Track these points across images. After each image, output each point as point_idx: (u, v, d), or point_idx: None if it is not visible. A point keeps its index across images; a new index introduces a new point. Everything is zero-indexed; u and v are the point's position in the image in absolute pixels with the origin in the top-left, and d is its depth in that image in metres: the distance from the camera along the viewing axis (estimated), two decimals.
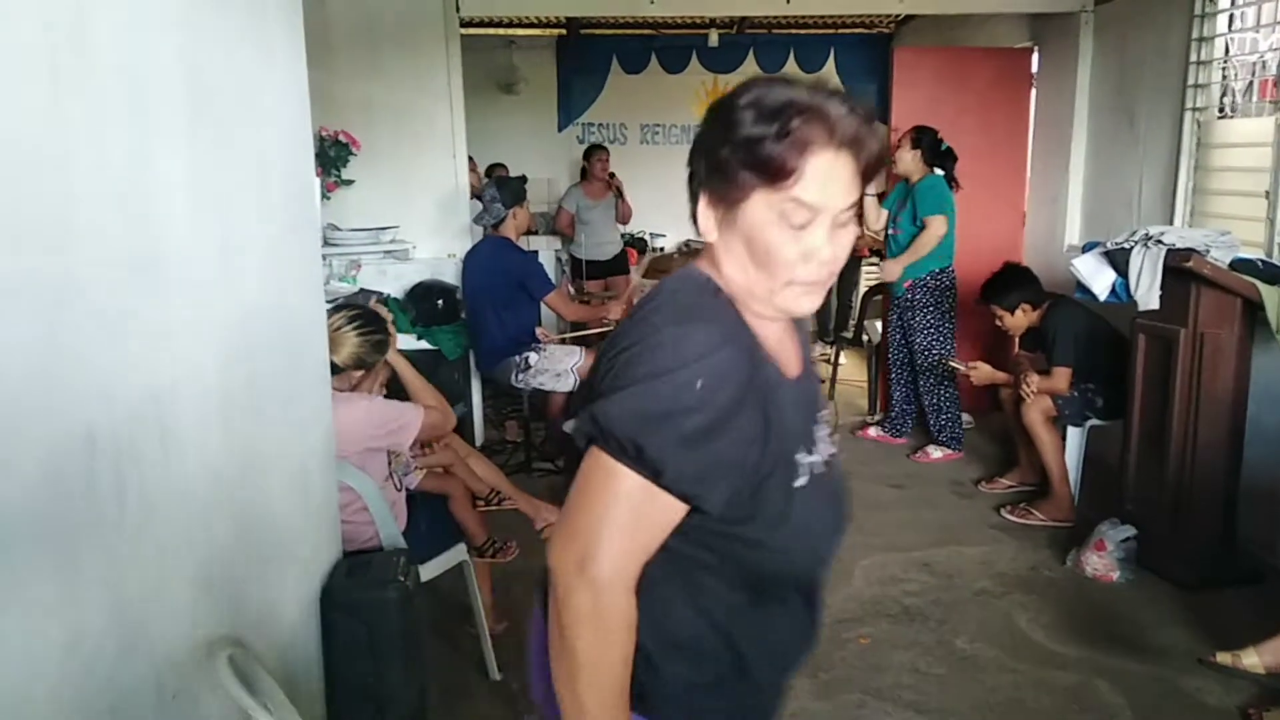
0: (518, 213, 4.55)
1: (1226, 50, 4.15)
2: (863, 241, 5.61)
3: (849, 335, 6.55)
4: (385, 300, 4.57)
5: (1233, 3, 4.08)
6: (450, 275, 4.87)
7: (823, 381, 6.20)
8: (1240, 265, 3.31)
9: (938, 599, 3.39)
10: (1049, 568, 3.62)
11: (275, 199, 1.99)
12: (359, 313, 2.81)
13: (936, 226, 4.61)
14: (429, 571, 2.74)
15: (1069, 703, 2.77)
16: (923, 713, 2.73)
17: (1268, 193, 3.69)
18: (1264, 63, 4.20)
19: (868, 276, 6.94)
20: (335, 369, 2.64)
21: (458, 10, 4.90)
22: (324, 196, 4.60)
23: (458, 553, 2.90)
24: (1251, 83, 4.23)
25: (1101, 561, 3.49)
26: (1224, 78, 4.19)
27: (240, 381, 1.79)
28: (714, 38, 7.27)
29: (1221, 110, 4.17)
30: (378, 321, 2.86)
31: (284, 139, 2.05)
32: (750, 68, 7.88)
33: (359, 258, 4.77)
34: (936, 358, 4.76)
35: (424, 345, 4.64)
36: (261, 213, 1.91)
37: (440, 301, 4.73)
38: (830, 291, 7.07)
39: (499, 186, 4.58)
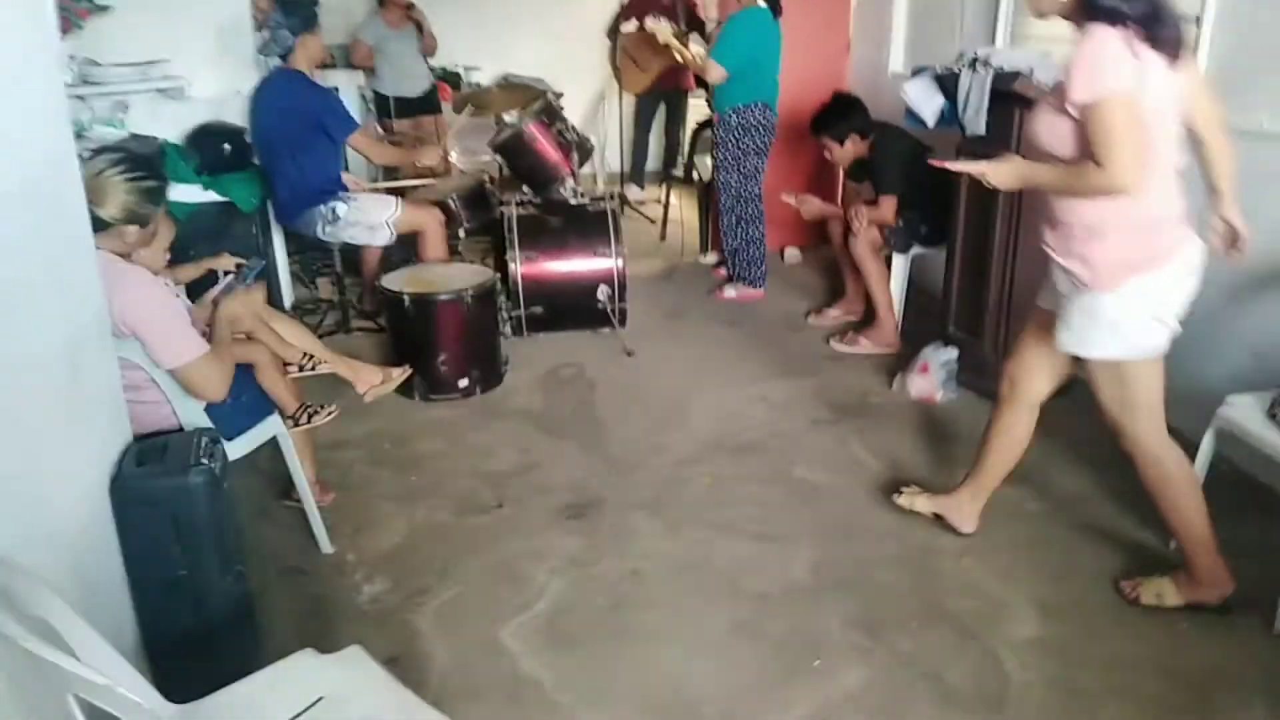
0: (307, 40, 4.03)
1: None
2: (692, 71, 5.36)
3: (679, 174, 6.40)
4: (162, 146, 4.02)
5: None
6: (237, 115, 4.32)
7: (653, 222, 6.13)
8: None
9: (774, 430, 3.43)
10: (877, 393, 3.72)
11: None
12: (124, 154, 2.39)
13: (713, 73, 4.40)
14: (237, 449, 2.49)
15: (906, 521, 2.86)
16: (767, 540, 2.77)
17: None
18: None
19: (696, 111, 6.75)
20: (103, 225, 2.26)
21: None
22: (75, 24, 3.92)
23: (270, 425, 2.65)
24: None
25: (925, 383, 3.60)
26: None
27: None
28: None
29: None
30: (147, 164, 2.46)
31: None
32: None
33: (125, 97, 4.15)
34: (735, 195, 4.64)
35: (213, 196, 4.14)
36: None
37: (227, 146, 4.20)
38: (659, 127, 6.84)
39: (284, 10, 4.03)
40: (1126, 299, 2.16)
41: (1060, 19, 2.15)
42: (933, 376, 3.57)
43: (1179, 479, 2.36)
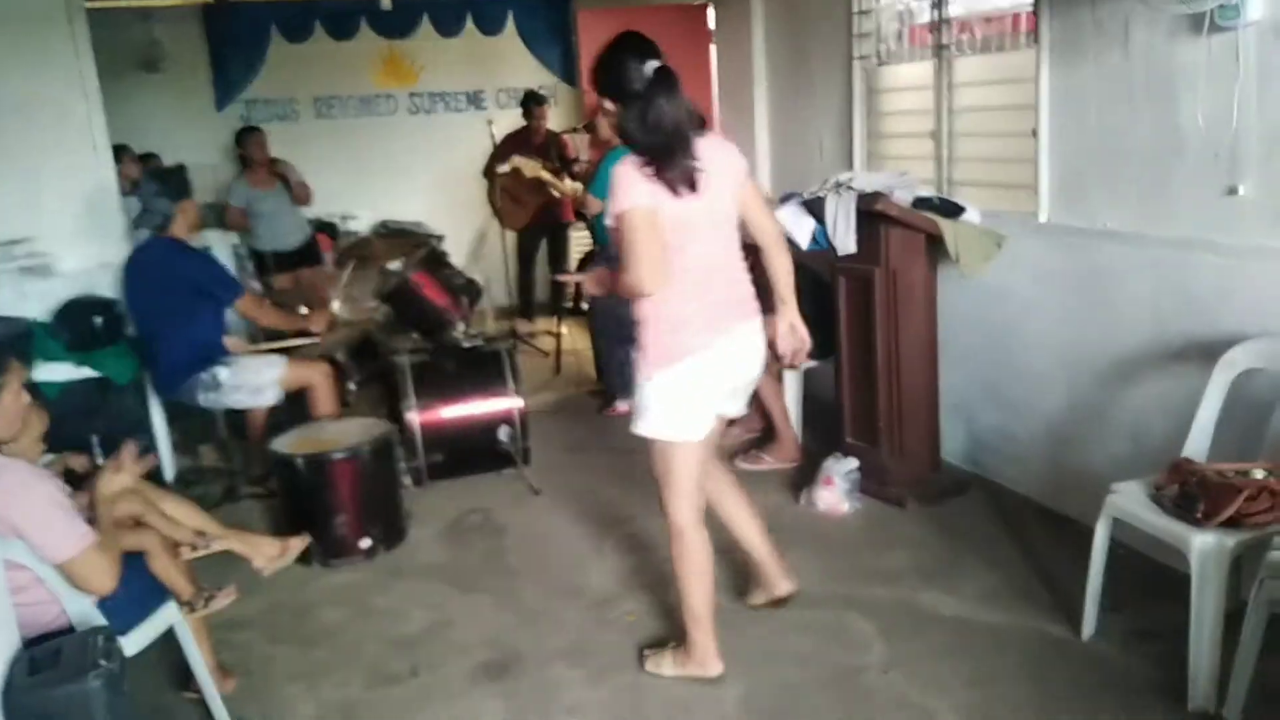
0: (186, 207, 3.97)
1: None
2: (572, 204, 5.50)
3: (569, 305, 6.48)
4: (29, 326, 3.85)
5: None
6: (108, 288, 4.19)
7: (547, 355, 6.16)
8: (920, 204, 3.55)
9: None
10: (786, 510, 3.76)
11: None
12: None
13: (592, 206, 4.53)
14: (133, 644, 2.33)
15: (827, 640, 2.86)
16: (694, 677, 2.70)
17: (933, 133, 4.00)
18: (910, 11, 4.54)
19: (577, 244, 6.90)
20: None
21: None
22: None
23: (166, 614, 2.49)
24: (901, 30, 4.56)
25: (831, 496, 3.66)
26: (877, 27, 4.47)
27: None
28: (386, 1, 6.80)
29: (879, 57, 4.45)
30: None
31: None
32: (427, 32, 7.49)
33: None
34: (616, 319, 4.73)
35: (87, 372, 3.97)
36: None
37: (99, 319, 4.06)
38: (543, 261, 6.93)
39: (158, 180, 3.98)
40: (658, 387, 2.47)
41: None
42: (837, 489, 3.63)
43: (694, 559, 2.62)
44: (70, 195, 4.32)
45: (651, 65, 2.42)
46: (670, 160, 2.36)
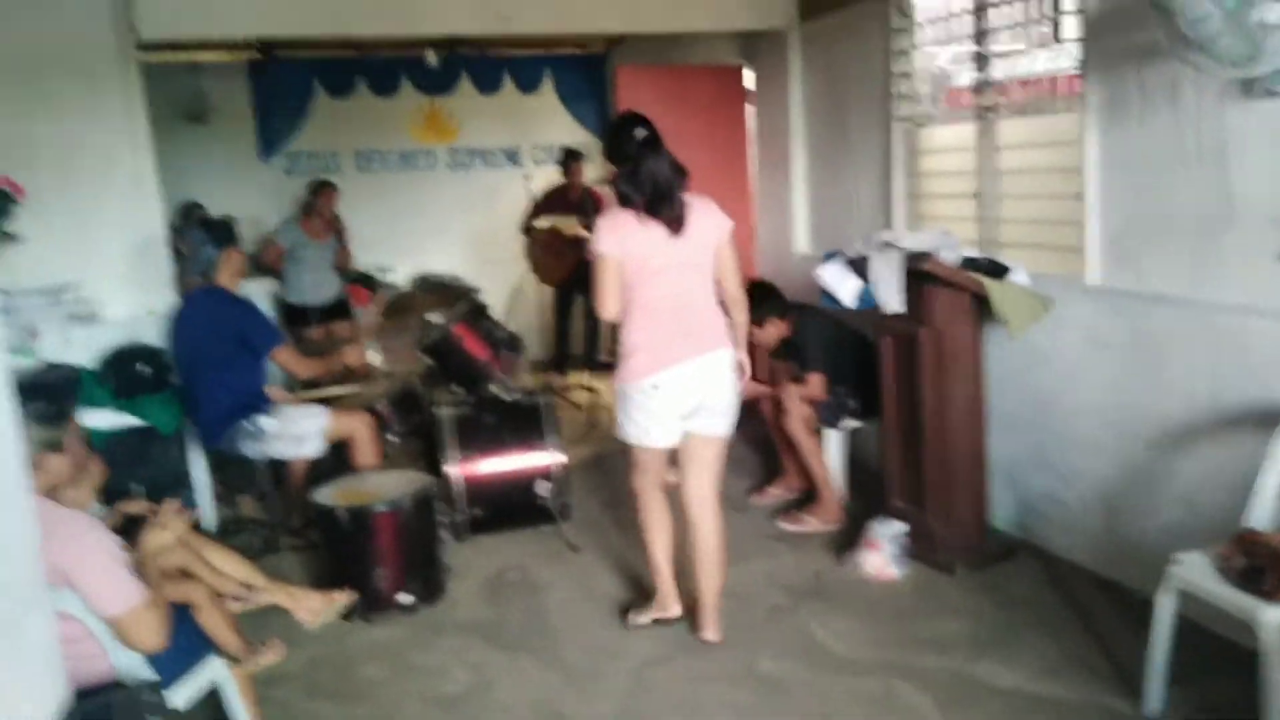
0: (231, 255, 4.03)
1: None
2: None
3: (604, 359, 6.49)
4: (77, 373, 3.89)
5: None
6: (153, 336, 4.23)
7: (581, 409, 6.15)
8: (967, 264, 3.54)
9: (734, 621, 3.33)
10: (831, 573, 3.69)
11: None
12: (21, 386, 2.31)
13: None
14: (180, 698, 2.31)
15: (877, 710, 2.79)
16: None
17: (975, 194, 4.00)
18: (946, 74, 4.58)
19: None
20: None
21: (135, 32, 4.28)
22: None
23: (212, 668, 2.46)
24: (936, 93, 4.60)
25: (877, 560, 3.60)
26: (915, 89, 4.51)
27: None
28: (432, 58, 6.96)
29: (918, 119, 4.47)
30: (45, 389, 2.38)
31: None
32: (466, 89, 7.64)
33: (34, 324, 4.04)
34: None
35: (132, 421, 3.99)
36: None
37: (145, 367, 4.10)
38: (579, 315, 6.96)
39: (206, 228, 4.04)
40: (619, 396, 3.10)
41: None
42: (883, 552, 3.58)
43: (650, 518, 3.22)
44: (118, 242, 4.40)
45: (640, 133, 2.97)
46: (659, 206, 2.92)
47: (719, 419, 3.10)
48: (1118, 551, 3.39)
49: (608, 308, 3.00)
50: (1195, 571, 2.50)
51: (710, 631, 3.19)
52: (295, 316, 6.04)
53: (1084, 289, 3.46)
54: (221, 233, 4.12)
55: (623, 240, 2.95)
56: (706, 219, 3.03)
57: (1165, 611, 2.55)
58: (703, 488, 3.14)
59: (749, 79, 5.81)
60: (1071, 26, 3.70)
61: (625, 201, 2.96)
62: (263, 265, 6.15)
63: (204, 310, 4.01)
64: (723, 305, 3.13)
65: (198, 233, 4.09)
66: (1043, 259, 3.72)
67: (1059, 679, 2.86)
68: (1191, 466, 3.08)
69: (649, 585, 3.38)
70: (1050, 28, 4.78)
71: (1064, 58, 3.98)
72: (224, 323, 3.95)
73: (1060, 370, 3.58)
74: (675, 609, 3.25)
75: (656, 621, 3.28)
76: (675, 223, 2.94)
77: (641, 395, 3.00)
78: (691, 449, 3.12)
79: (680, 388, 2.99)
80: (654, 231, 2.93)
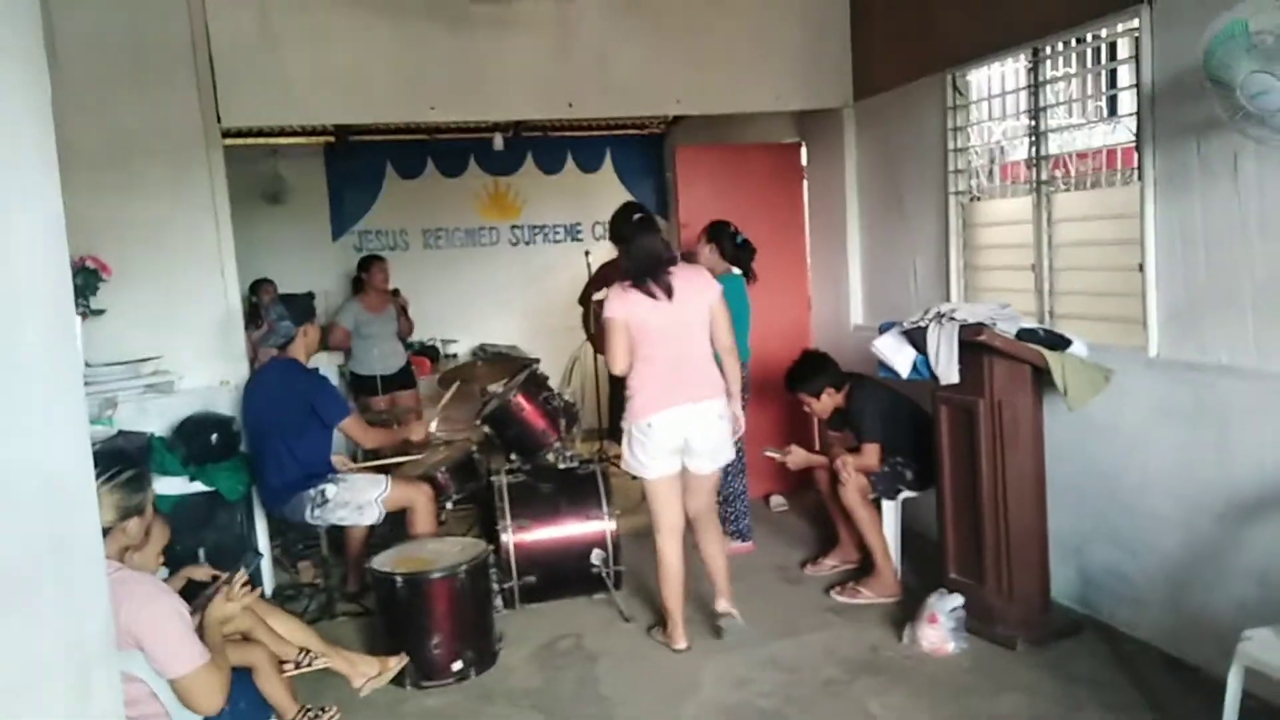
0: (309, 330, 4.20)
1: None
2: None
3: None
4: (150, 441, 4.04)
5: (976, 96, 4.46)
6: (225, 405, 4.39)
7: (634, 478, 6.15)
8: (1025, 335, 3.52)
9: (790, 695, 3.29)
10: (887, 647, 3.62)
11: (33, 351, 1.64)
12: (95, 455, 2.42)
13: None
14: None
15: None
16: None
17: (1033, 266, 4.00)
18: (1002, 149, 4.61)
19: None
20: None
21: (219, 120, 4.54)
22: None
23: None
24: (992, 168, 4.63)
25: (936, 634, 3.52)
26: (969, 164, 4.55)
27: (2, 569, 1.42)
28: (499, 142, 7.25)
29: (974, 192, 4.51)
30: (121, 457, 2.49)
31: (38, 275, 1.70)
32: (529, 169, 7.90)
33: (115, 395, 4.22)
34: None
35: (198, 487, 4.12)
36: (16, 369, 1.56)
37: (215, 436, 4.23)
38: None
39: (285, 304, 4.23)
40: (625, 434, 3.62)
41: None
42: (941, 627, 3.50)
43: (664, 566, 3.68)
44: (198, 316, 4.58)
45: (636, 215, 3.58)
46: (650, 276, 3.47)
47: (707, 460, 3.64)
48: (1185, 628, 3.27)
49: (618, 363, 3.53)
50: (1266, 648, 2.41)
51: (725, 602, 3.72)
52: (362, 386, 6.20)
53: (1146, 361, 3.42)
54: (301, 309, 4.29)
55: (626, 306, 3.48)
56: (697, 285, 3.55)
57: (1234, 689, 2.45)
58: (699, 505, 3.76)
59: (804, 155, 5.91)
60: (1128, 101, 3.72)
61: (627, 273, 3.52)
62: (332, 346, 6.32)
63: (277, 381, 4.16)
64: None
65: (277, 307, 4.26)
66: (1102, 331, 3.69)
67: None
68: (1263, 540, 2.98)
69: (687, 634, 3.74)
70: (1105, 102, 4.81)
71: (1121, 131, 3.99)
72: (295, 394, 4.08)
73: (1123, 442, 3.51)
74: (681, 643, 3.67)
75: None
76: (666, 290, 3.46)
77: (640, 433, 3.54)
78: (688, 481, 3.69)
79: (672, 428, 3.52)
80: (653, 301, 3.45)
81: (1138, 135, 3.42)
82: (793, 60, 5.26)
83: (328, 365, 6.27)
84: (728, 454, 3.69)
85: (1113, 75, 4.24)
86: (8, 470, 1.50)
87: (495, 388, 4.59)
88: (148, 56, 4.38)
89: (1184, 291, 3.27)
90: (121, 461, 2.47)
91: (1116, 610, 3.59)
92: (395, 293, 6.37)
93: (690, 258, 4.93)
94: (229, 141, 4.83)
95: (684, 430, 3.52)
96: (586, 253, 6.95)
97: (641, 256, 3.50)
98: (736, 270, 4.67)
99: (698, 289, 3.54)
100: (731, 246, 4.68)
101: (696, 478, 3.67)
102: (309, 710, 2.73)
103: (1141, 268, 3.40)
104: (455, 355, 7.42)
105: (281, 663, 2.79)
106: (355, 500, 4.04)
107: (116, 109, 4.32)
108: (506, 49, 4.88)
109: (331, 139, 7.47)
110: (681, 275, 3.53)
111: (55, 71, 1.83)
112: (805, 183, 5.90)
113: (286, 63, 4.63)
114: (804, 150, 5.91)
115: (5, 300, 1.56)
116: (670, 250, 3.55)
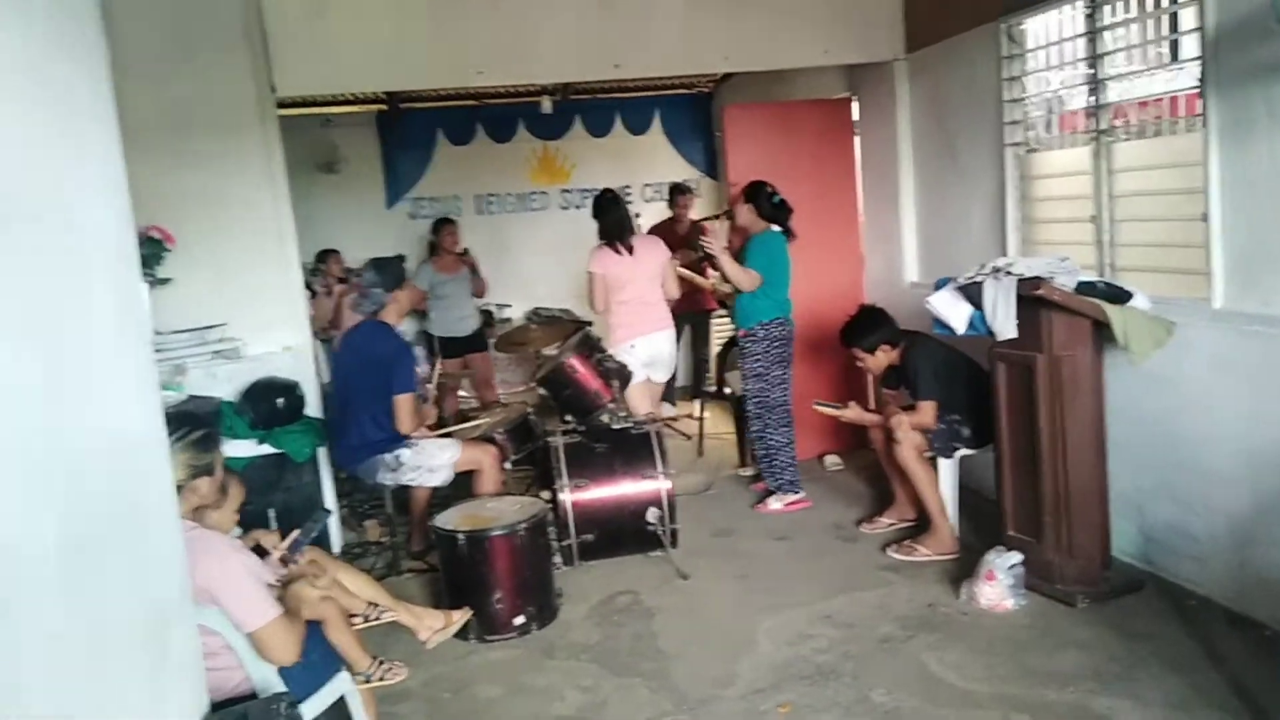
0: (400, 296, 4.27)
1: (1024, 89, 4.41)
2: (713, 295, 5.62)
3: (711, 389, 6.54)
4: (217, 405, 4.17)
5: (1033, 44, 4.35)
6: (288, 370, 4.50)
7: (689, 438, 6.22)
8: (1084, 288, 3.46)
9: (846, 652, 3.32)
10: (944, 604, 3.63)
11: (103, 317, 1.71)
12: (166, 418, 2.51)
13: (747, 281, 4.64)
14: (309, 711, 2.44)
15: None
16: None
17: (1093, 218, 3.92)
18: (1060, 98, 4.49)
19: (718, 330, 6.98)
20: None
21: (274, 90, 4.61)
22: None
23: (340, 683, 2.61)
24: (1050, 118, 4.51)
25: (994, 591, 3.52)
26: (1025, 114, 4.45)
27: (80, 533, 1.50)
28: (547, 105, 7.25)
29: (1030, 144, 4.41)
30: (191, 419, 2.57)
31: (105, 246, 1.77)
32: (578, 132, 7.90)
33: (184, 362, 4.35)
34: (763, 405, 4.76)
35: (267, 449, 4.25)
36: (86, 335, 1.63)
37: (281, 400, 4.35)
38: (686, 347, 7.11)
39: (377, 269, 4.30)
40: (616, 351, 4.69)
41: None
42: (999, 584, 3.49)
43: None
44: (259, 284, 4.69)
45: (609, 196, 4.86)
46: (618, 238, 4.72)
47: (660, 370, 4.91)
48: (1250, 585, 3.23)
49: (597, 304, 4.80)
50: None
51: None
52: (434, 349, 6.29)
53: (1211, 313, 3.34)
54: (392, 273, 4.36)
55: (604, 264, 4.71)
56: (651, 248, 4.84)
57: None
58: (655, 405, 4.99)
59: (855, 110, 5.83)
60: (1190, 45, 3.60)
61: (604, 237, 4.74)
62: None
63: (366, 343, 4.22)
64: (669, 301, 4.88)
65: (369, 274, 4.32)
66: (1164, 283, 3.61)
67: (1189, 716, 2.74)
68: None
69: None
70: (1168, 47, 4.66)
71: (1183, 77, 3.87)
72: (379, 356, 4.12)
73: (1186, 396, 3.45)
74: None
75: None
76: (629, 248, 4.71)
77: (625, 354, 4.67)
78: (649, 388, 4.90)
79: (645, 348, 4.75)
80: (620, 257, 4.68)
81: (1201, 81, 3.32)
82: (842, 13, 5.17)
83: (408, 325, 6.37)
84: (671, 369, 5.06)
85: (1174, 19, 4.09)
86: (83, 437, 1.57)
87: (550, 350, 4.65)
88: (202, 26, 4.44)
89: (1249, 241, 3.18)
90: (192, 423, 2.55)
91: (1179, 567, 3.55)
92: (465, 252, 6.46)
93: (730, 215, 4.98)
94: (283, 112, 4.89)
95: (651, 350, 4.75)
96: (636, 215, 6.93)
97: (612, 224, 4.72)
98: (776, 227, 4.67)
99: (651, 252, 4.81)
100: (769, 205, 4.69)
101: (653, 385, 4.93)
102: (381, 662, 2.83)
103: (1205, 217, 3.32)
104: (509, 320, 7.49)
105: (351, 616, 2.88)
106: (428, 464, 4.14)
107: (172, 82, 4.40)
108: (553, 9, 4.87)
109: (383, 107, 7.54)
110: (640, 241, 4.83)
111: (111, 43, 1.88)
112: (857, 138, 5.81)
113: (336, 31, 4.68)
114: (855, 105, 5.82)
115: (75, 269, 1.63)
116: (632, 224, 4.89)
